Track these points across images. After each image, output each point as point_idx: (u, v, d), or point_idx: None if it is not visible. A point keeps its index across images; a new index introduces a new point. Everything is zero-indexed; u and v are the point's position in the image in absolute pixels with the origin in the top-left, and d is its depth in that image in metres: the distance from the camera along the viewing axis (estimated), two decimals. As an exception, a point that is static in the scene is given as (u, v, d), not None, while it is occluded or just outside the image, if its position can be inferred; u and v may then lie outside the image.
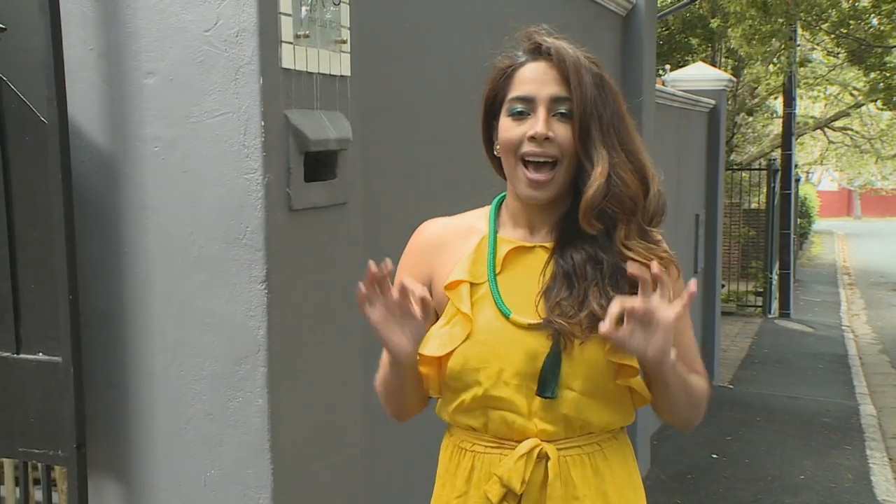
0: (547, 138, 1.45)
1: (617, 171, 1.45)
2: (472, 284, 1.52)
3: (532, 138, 1.46)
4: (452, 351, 1.49)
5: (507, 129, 1.50)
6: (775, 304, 12.51)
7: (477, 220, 1.62)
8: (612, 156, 1.46)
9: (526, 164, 1.48)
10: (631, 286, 1.45)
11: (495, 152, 1.56)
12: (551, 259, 1.52)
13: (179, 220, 1.90)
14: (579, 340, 1.44)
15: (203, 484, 1.96)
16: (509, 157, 1.50)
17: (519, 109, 1.48)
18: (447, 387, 1.53)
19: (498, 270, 1.53)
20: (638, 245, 1.47)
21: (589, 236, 1.49)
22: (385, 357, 1.56)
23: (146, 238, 1.93)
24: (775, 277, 12.67)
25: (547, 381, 1.45)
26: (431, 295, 1.58)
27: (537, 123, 1.46)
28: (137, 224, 1.94)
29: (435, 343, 1.51)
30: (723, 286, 10.45)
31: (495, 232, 1.57)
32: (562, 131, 1.46)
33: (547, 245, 1.54)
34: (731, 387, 8.05)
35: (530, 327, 1.47)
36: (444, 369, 1.50)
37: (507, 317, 1.48)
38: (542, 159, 1.47)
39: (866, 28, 11.42)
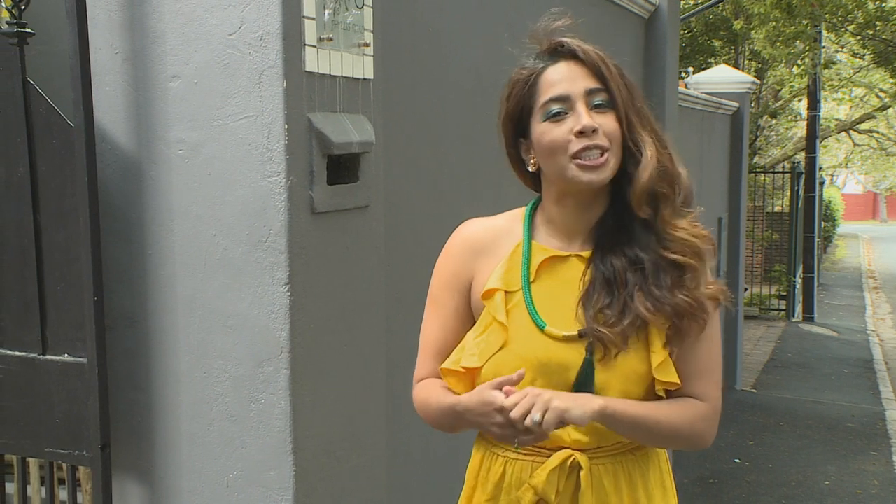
0: (595, 130, 1.42)
1: (661, 152, 1.46)
2: (506, 293, 1.50)
3: (581, 133, 1.42)
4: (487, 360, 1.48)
5: (547, 131, 1.45)
6: (799, 308, 12.41)
7: (514, 223, 1.59)
8: (654, 139, 1.46)
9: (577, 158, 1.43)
10: (673, 279, 1.44)
11: (529, 168, 1.53)
12: (589, 267, 1.49)
13: (203, 223, 1.91)
14: (618, 350, 1.42)
15: (226, 485, 1.96)
16: (557, 159, 1.45)
17: (556, 111, 1.44)
18: None
19: (532, 279, 1.50)
20: (682, 222, 1.47)
21: (626, 238, 1.47)
22: (447, 403, 1.50)
23: (170, 240, 1.95)
24: (799, 281, 12.56)
25: None
26: (470, 297, 1.58)
27: (581, 118, 1.42)
28: (162, 226, 1.95)
29: (472, 353, 1.49)
30: (746, 290, 10.37)
31: (530, 239, 1.55)
32: (605, 121, 1.43)
33: (583, 254, 1.51)
34: (755, 391, 7.98)
35: (565, 339, 1.46)
36: (478, 377, 1.49)
37: (541, 329, 1.47)
38: (595, 153, 1.43)
39: (893, 29, 11.29)
